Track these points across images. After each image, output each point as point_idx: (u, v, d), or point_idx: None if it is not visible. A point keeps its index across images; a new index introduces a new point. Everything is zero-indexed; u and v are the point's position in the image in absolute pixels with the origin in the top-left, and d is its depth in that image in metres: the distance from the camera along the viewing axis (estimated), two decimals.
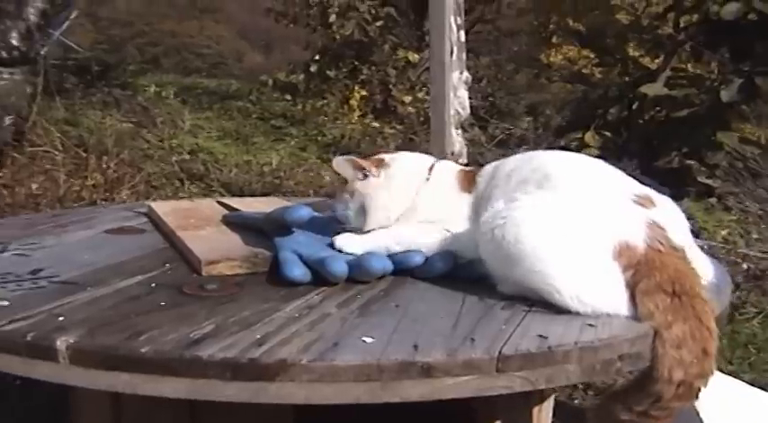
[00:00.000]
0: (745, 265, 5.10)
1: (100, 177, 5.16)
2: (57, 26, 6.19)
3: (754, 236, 6.00)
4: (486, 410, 1.94)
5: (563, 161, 1.80)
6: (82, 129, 6.76)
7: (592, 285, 1.50)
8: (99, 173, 5.22)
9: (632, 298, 1.49)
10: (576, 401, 3.24)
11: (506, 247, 1.57)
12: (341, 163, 1.94)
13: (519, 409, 1.99)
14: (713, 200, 7.12)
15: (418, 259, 1.77)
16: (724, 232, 6.00)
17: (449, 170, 1.96)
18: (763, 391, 2.62)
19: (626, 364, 1.41)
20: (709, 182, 7.32)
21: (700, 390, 1.44)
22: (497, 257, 1.61)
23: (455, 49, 4.48)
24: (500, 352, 1.31)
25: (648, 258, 1.50)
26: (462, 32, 4.57)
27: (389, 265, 1.74)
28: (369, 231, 1.88)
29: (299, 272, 1.68)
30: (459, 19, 4.51)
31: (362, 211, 1.91)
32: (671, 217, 1.63)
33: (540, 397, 2.03)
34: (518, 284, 1.57)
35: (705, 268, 1.65)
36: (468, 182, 1.89)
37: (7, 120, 5.64)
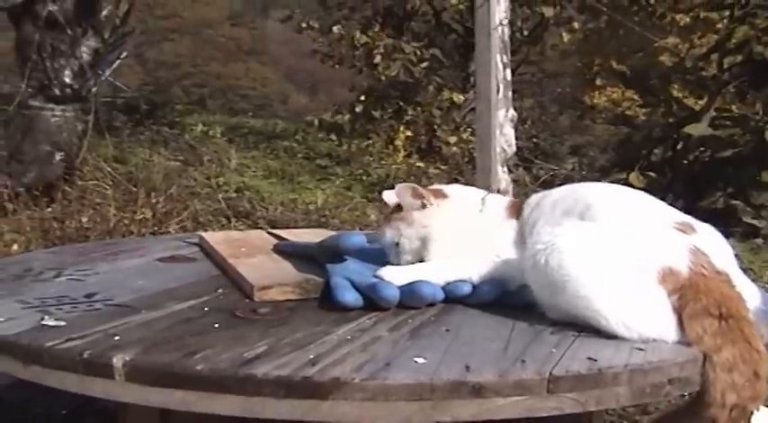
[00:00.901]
0: None
1: (149, 212, 5.21)
2: (106, 66, 6.30)
3: None
4: None
5: (605, 191, 1.82)
6: (130, 165, 6.84)
7: (637, 310, 1.50)
8: (148, 207, 5.28)
9: (679, 322, 1.49)
10: None
11: (551, 274, 1.58)
12: (402, 190, 1.96)
13: None
14: (759, 240, 7.06)
15: (466, 289, 1.78)
16: None
17: (499, 201, 1.99)
18: None
19: (675, 388, 1.41)
20: (754, 222, 7.27)
21: (752, 413, 1.44)
22: (543, 284, 1.62)
23: (501, 87, 4.49)
24: (551, 373, 1.32)
25: (693, 282, 1.50)
26: (509, 71, 4.58)
27: (440, 293, 1.75)
28: (413, 264, 1.90)
29: (350, 296, 1.70)
30: (505, 57, 4.52)
31: (418, 240, 1.93)
32: (713, 243, 1.64)
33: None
34: (564, 311, 1.58)
35: (751, 293, 1.64)
36: (516, 210, 1.91)
37: (58, 155, 5.74)
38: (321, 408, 1.27)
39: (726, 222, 6.87)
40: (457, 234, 1.91)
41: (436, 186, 2.08)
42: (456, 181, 8.43)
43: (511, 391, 1.30)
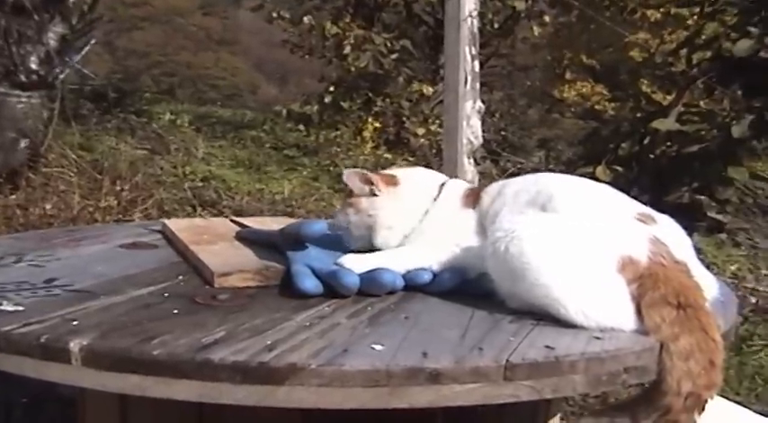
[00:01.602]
0: (753, 299, 5.12)
1: (113, 200, 5.19)
2: (74, 53, 6.25)
3: (764, 272, 6.00)
4: None
5: (567, 182, 1.83)
6: (96, 154, 6.80)
7: (596, 299, 1.51)
8: (112, 195, 5.25)
9: (637, 311, 1.49)
10: None
11: (511, 262, 1.58)
12: (350, 175, 1.95)
13: None
14: (723, 235, 7.11)
15: (426, 277, 1.79)
16: (733, 267, 6.00)
17: (458, 189, 1.98)
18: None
19: (632, 377, 1.42)
20: (719, 217, 7.32)
21: (707, 401, 1.45)
22: (503, 272, 1.62)
23: (469, 78, 4.49)
24: (507, 360, 1.32)
25: (652, 272, 1.51)
26: (477, 63, 4.59)
27: (400, 281, 1.75)
28: (375, 252, 1.89)
29: (310, 284, 1.70)
30: (473, 49, 4.53)
31: (365, 228, 1.93)
32: (672, 234, 1.65)
33: (545, 415, 2.03)
34: (523, 299, 1.59)
35: (709, 284, 1.65)
36: (474, 199, 1.90)
37: (23, 142, 5.69)
38: (277, 393, 1.28)
39: (691, 217, 6.91)
40: (405, 223, 1.91)
41: (393, 171, 2.06)
42: None
43: (467, 378, 1.31)
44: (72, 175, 5.53)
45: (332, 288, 1.70)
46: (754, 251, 6.61)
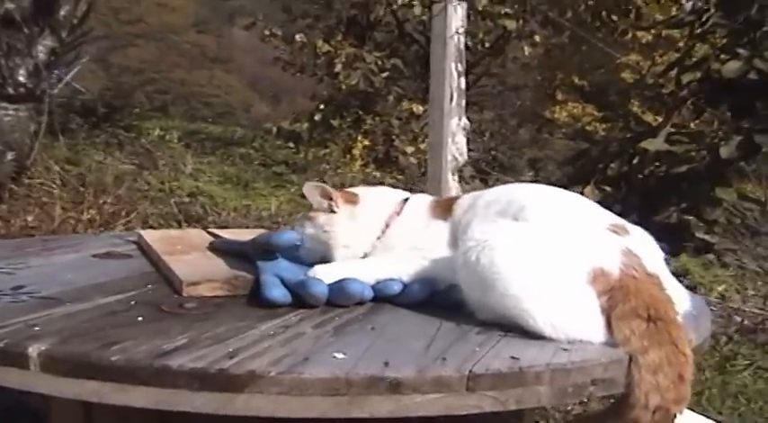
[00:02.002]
0: (738, 318, 5.12)
1: (95, 213, 5.17)
2: (64, 67, 6.24)
3: (750, 292, 6.00)
4: None
5: (539, 193, 1.82)
6: (83, 168, 6.77)
7: (566, 310, 1.50)
8: (95, 208, 5.23)
9: (607, 324, 1.48)
10: None
11: (481, 272, 1.57)
12: (310, 188, 1.94)
13: None
14: (711, 256, 7.11)
15: (396, 288, 1.77)
16: (720, 288, 6.00)
17: (423, 202, 1.97)
18: None
19: (599, 389, 1.41)
20: (707, 238, 7.32)
21: (675, 416, 1.44)
22: (473, 282, 1.60)
23: (455, 95, 4.49)
24: (471, 371, 1.31)
25: (623, 284, 1.50)
26: (463, 79, 4.58)
27: (369, 291, 1.74)
28: (345, 262, 1.88)
29: (278, 293, 1.68)
30: (459, 66, 4.52)
31: (319, 243, 1.92)
32: (645, 245, 1.64)
33: None
34: (493, 310, 1.57)
35: (681, 297, 1.64)
36: (444, 210, 1.90)
37: (9, 155, 5.67)
38: (236, 401, 1.26)
39: (679, 237, 6.92)
40: (362, 242, 1.91)
41: (357, 189, 2.05)
42: (411, 191, 8.46)
43: (429, 388, 1.29)
44: (54, 187, 5.51)
45: (301, 298, 1.69)
46: (741, 272, 6.61)
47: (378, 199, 1.99)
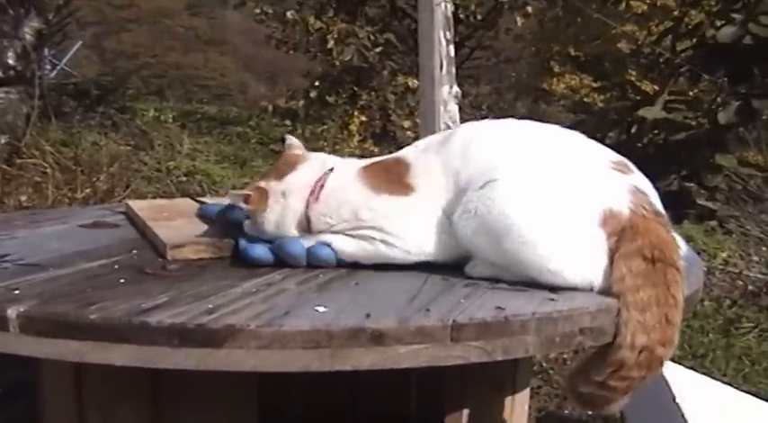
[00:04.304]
0: (741, 283, 5.12)
1: (90, 192, 5.15)
2: (53, 50, 6.22)
3: (754, 258, 6.00)
4: (454, 402, 1.91)
5: (537, 132, 1.75)
6: (78, 149, 6.74)
7: (580, 254, 1.49)
8: (89, 187, 5.22)
9: (610, 264, 1.48)
10: (565, 412, 3.23)
11: (490, 223, 1.53)
12: (233, 198, 1.80)
13: (488, 400, 1.96)
14: (713, 223, 7.11)
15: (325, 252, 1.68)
16: (724, 254, 6.00)
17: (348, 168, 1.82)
18: (749, 396, 2.61)
19: (587, 338, 1.40)
20: (708, 204, 7.32)
21: (662, 361, 1.42)
22: (480, 235, 1.56)
23: (445, 63, 4.45)
24: (454, 320, 1.30)
25: (633, 224, 1.50)
26: (452, 47, 4.54)
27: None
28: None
29: (260, 250, 1.66)
30: (448, 33, 4.48)
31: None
32: (648, 183, 1.61)
33: (512, 389, 2.00)
34: (503, 260, 1.54)
35: (679, 244, 1.62)
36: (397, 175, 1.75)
37: (2, 138, 5.65)
38: (216, 356, 1.25)
39: (680, 204, 6.92)
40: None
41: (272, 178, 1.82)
42: None
43: (412, 338, 1.28)
44: (47, 167, 5.49)
45: (282, 260, 1.66)
46: (744, 238, 6.60)
47: (297, 182, 1.78)
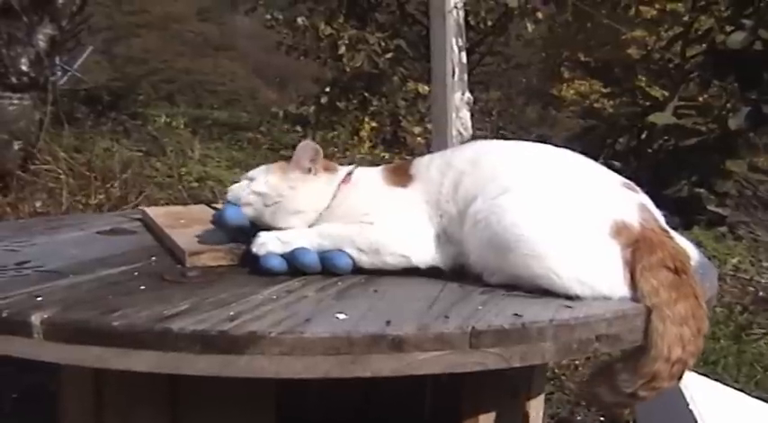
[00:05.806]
0: (752, 289, 5.12)
1: (103, 197, 5.17)
2: (66, 56, 6.23)
3: (765, 264, 5.99)
4: (471, 406, 1.91)
5: (547, 151, 1.78)
6: (90, 155, 6.76)
7: (592, 265, 1.49)
8: (103, 193, 5.24)
9: (630, 277, 1.48)
10: (578, 418, 3.23)
11: (501, 234, 1.54)
12: (306, 147, 1.86)
13: (504, 406, 1.96)
14: (723, 229, 7.10)
15: (343, 261, 1.68)
16: (734, 260, 5.99)
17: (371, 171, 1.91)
18: (762, 402, 2.61)
19: (604, 345, 1.41)
20: (718, 210, 7.31)
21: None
22: (490, 245, 1.57)
23: (457, 70, 4.46)
24: (473, 327, 1.31)
25: (645, 237, 1.50)
26: (464, 54, 4.55)
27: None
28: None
29: (275, 261, 1.67)
30: (460, 40, 4.50)
31: (266, 205, 1.83)
32: (652, 204, 1.63)
33: (527, 395, 2.00)
34: (512, 271, 1.55)
35: (692, 254, 1.63)
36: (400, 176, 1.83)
37: (16, 144, 5.66)
38: (238, 363, 1.26)
39: (690, 210, 6.91)
40: (314, 209, 1.81)
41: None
42: None
43: (431, 345, 1.29)
44: (61, 173, 5.50)
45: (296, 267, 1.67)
46: (755, 244, 6.60)
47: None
